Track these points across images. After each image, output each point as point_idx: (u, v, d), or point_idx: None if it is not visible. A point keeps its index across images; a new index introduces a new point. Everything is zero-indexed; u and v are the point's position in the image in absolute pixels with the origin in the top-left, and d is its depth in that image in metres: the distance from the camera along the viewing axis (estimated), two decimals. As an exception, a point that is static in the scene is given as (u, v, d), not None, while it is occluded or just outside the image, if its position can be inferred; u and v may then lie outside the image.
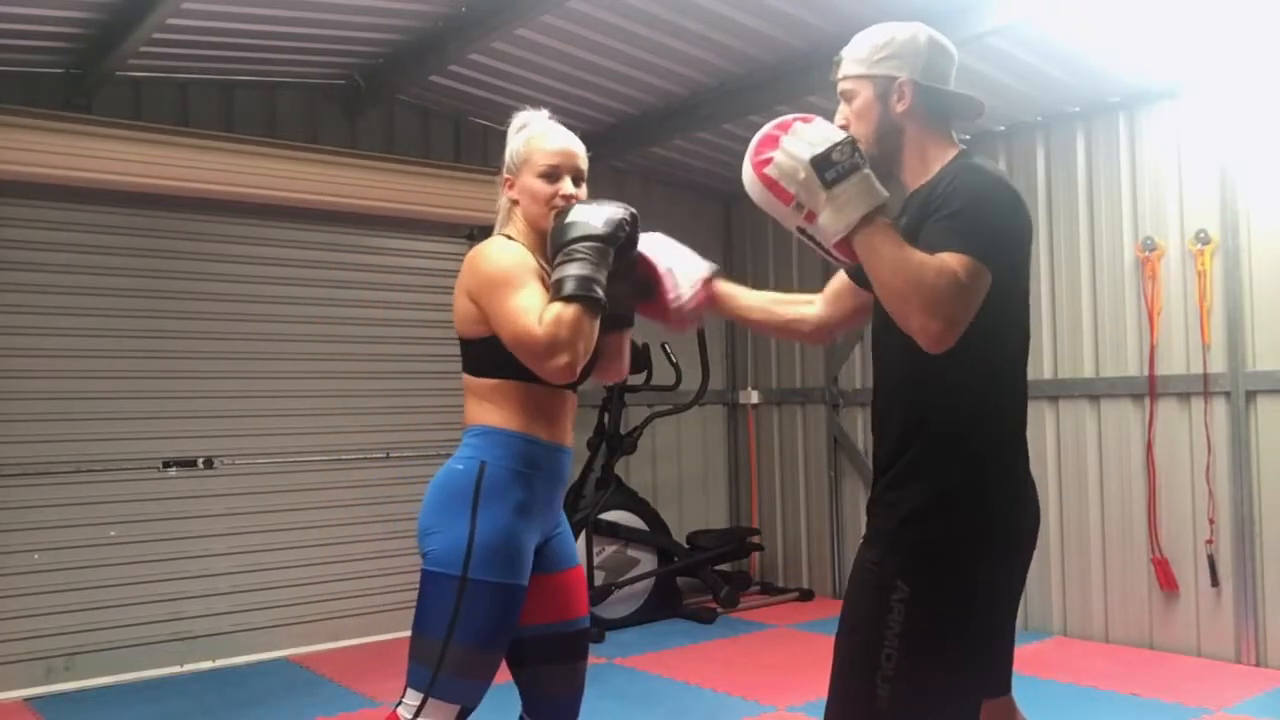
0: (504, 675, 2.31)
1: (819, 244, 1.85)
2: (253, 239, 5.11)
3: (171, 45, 4.50)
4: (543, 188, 2.18)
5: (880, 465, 1.96)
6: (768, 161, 1.82)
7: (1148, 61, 4.50)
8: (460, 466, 2.12)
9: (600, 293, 2.00)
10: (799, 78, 4.75)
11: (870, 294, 2.05)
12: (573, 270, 1.99)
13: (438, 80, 5.21)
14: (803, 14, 4.32)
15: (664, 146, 5.85)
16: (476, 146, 5.66)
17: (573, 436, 2.26)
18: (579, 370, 2.03)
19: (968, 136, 2.07)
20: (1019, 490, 1.92)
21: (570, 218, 2.06)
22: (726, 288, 2.34)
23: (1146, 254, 4.76)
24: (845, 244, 1.79)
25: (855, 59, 1.99)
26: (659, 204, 6.42)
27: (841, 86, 2.01)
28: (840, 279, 2.24)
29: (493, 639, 2.06)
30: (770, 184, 1.82)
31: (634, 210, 2.12)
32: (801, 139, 1.80)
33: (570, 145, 2.23)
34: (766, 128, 1.87)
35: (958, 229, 1.75)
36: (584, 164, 2.25)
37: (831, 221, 1.76)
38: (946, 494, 1.84)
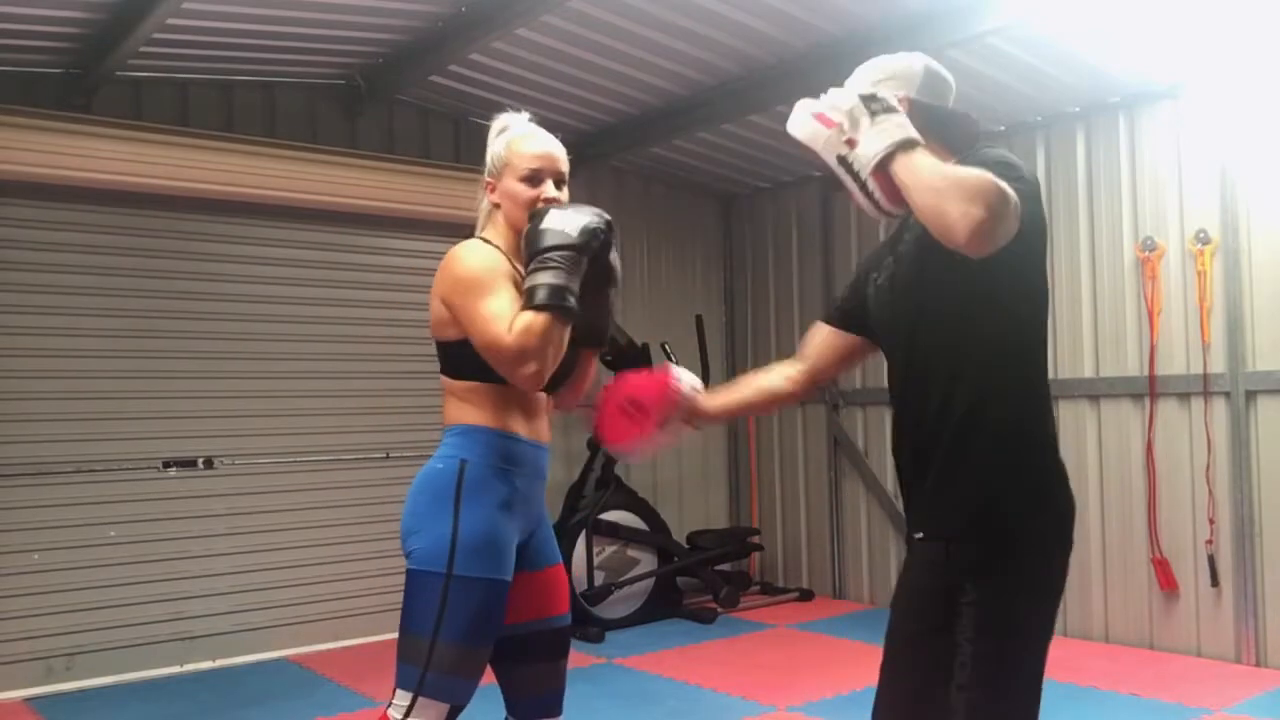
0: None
1: (855, 176, 1.84)
2: (253, 239, 5.11)
3: (171, 45, 4.50)
4: (524, 191, 2.17)
5: (922, 463, 1.91)
6: (816, 100, 1.89)
7: (1148, 61, 4.50)
8: (441, 465, 2.12)
9: (572, 302, 1.99)
10: (799, 78, 4.74)
11: (856, 337, 2.14)
12: (545, 279, 1.98)
13: (438, 80, 5.21)
14: (803, 14, 4.32)
15: (664, 146, 5.85)
16: (476, 146, 5.60)
17: (550, 433, 2.26)
18: (546, 378, 2.03)
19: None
20: (1068, 488, 1.91)
21: (544, 223, 2.03)
22: (711, 400, 2.30)
23: (1146, 254, 4.76)
24: (882, 174, 1.78)
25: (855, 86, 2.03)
26: (659, 204, 6.41)
27: None
28: (819, 332, 2.23)
29: (479, 635, 2.06)
30: (818, 115, 1.86)
31: (608, 218, 2.09)
32: (849, 85, 1.95)
33: (551, 149, 2.21)
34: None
35: (997, 170, 1.75)
36: (565, 167, 2.23)
37: (872, 142, 1.78)
38: (1013, 499, 1.82)
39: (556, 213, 2.05)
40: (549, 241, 2.00)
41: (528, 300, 1.98)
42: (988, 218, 1.63)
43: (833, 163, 1.87)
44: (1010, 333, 1.86)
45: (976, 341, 1.86)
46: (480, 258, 2.11)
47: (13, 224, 4.53)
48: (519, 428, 2.15)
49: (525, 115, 2.28)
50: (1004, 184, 1.66)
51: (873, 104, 1.80)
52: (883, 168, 1.76)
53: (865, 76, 2.02)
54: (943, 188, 1.67)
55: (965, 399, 1.85)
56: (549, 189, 2.17)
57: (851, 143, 1.81)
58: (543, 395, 2.22)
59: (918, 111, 1.94)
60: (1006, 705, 1.79)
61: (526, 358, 1.97)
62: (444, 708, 2.05)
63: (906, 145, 1.75)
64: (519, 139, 2.22)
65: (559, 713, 2.29)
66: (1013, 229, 1.69)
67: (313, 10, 4.37)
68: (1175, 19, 4.08)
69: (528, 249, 2.04)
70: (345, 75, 5.25)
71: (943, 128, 1.98)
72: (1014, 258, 1.75)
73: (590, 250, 2.03)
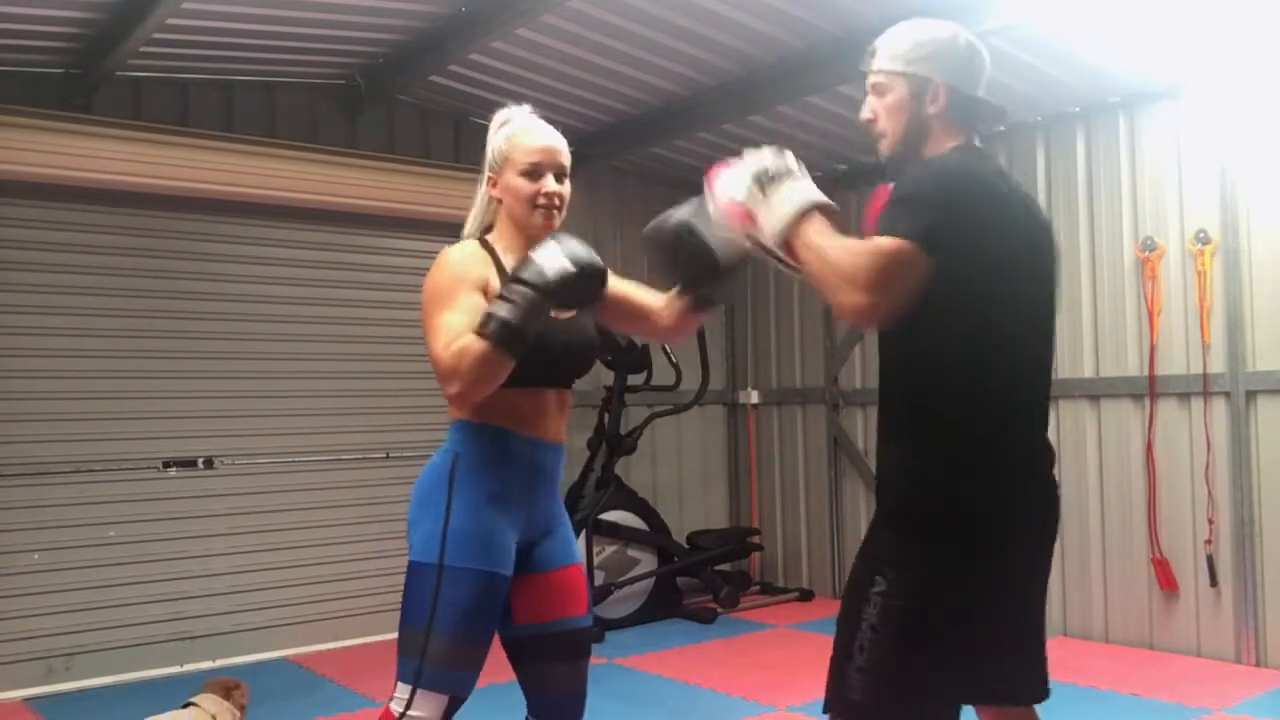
0: (506, 674, 2.32)
1: (772, 254, 1.93)
2: (253, 239, 5.11)
3: (171, 45, 4.50)
4: (525, 185, 2.17)
5: (877, 454, 2.03)
6: (722, 179, 1.97)
7: (1148, 61, 4.50)
8: (437, 460, 2.17)
9: (516, 340, 1.96)
10: (798, 78, 4.75)
11: None
12: (501, 311, 1.96)
13: (438, 80, 5.21)
14: (803, 14, 4.32)
15: (664, 146, 5.84)
16: (476, 146, 5.62)
17: (561, 432, 2.25)
18: (472, 399, 2.04)
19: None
20: (1014, 490, 1.90)
21: (533, 255, 2.00)
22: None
23: (1146, 254, 4.76)
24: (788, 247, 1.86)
25: (892, 54, 1.97)
26: (659, 204, 6.34)
27: (873, 79, 2.00)
28: None
29: (472, 627, 2.07)
30: (724, 206, 1.95)
31: (596, 264, 2.02)
32: (746, 160, 1.94)
33: (552, 141, 2.22)
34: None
35: (893, 213, 1.79)
36: (567, 160, 2.23)
37: (768, 222, 1.86)
38: (926, 494, 1.86)
39: (548, 248, 2.01)
40: (524, 274, 1.98)
41: (479, 324, 1.98)
42: (867, 303, 1.73)
43: (751, 248, 1.99)
44: (944, 339, 1.85)
45: (913, 346, 1.89)
46: (450, 268, 2.13)
47: (13, 224, 4.53)
48: (517, 424, 2.15)
49: (527, 108, 2.28)
50: (888, 248, 1.73)
51: (764, 179, 1.88)
52: (785, 245, 1.85)
53: (906, 46, 1.96)
54: (827, 276, 1.78)
55: (892, 406, 1.95)
56: (549, 183, 2.18)
57: (755, 223, 1.90)
58: (549, 395, 2.21)
59: (953, 101, 1.95)
60: (898, 691, 1.82)
61: (452, 377, 1.99)
62: (443, 699, 2.06)
63: (800, 220, 1.82)
64: (519, 132, 2.22)
65: (580, 718, 2.29)
66: (911, 280, 1.74)
67: (313, 10, 4.37)
68: (1175, 19, 4.08)
69: (513, 271, 2.03)
70: (345, 75, 5.25)
71: (970, 119, 1.99)
72: (939, 272, 1.76)
73: (558, 296, 1.99)
